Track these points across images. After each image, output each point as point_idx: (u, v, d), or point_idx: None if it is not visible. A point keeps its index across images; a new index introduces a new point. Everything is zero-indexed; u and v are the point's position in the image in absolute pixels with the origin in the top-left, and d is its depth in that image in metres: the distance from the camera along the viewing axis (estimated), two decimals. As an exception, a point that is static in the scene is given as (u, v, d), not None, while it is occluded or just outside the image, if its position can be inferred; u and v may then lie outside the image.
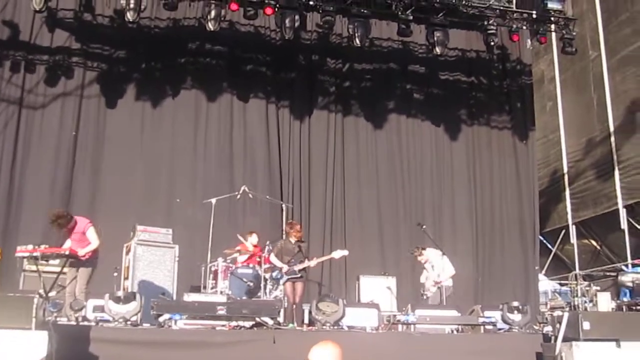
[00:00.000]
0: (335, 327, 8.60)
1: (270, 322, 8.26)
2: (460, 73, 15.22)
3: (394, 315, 9.79)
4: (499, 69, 15.55)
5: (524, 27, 13.58)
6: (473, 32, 14.52)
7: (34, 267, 9.20)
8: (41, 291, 7.31)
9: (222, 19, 12.05)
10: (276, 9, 12.03)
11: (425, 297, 11.27)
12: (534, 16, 13.29)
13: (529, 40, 15.29)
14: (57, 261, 8.84)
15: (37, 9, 11.22)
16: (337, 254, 10.71)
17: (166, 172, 13.18)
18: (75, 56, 13.02)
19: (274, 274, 10.29)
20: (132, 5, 11.39)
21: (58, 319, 7.65)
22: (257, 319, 8.26)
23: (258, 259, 10.90)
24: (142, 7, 11.59)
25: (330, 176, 13.97)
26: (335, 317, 8.66)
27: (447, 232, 14.30)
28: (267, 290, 10.59)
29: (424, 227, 11.94)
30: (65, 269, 8.77)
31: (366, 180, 14.25)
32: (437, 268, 11.21)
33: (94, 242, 8.96)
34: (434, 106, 15.01)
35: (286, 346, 7.70)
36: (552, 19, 13.33)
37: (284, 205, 12.48)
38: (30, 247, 8.37)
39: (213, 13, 11.73)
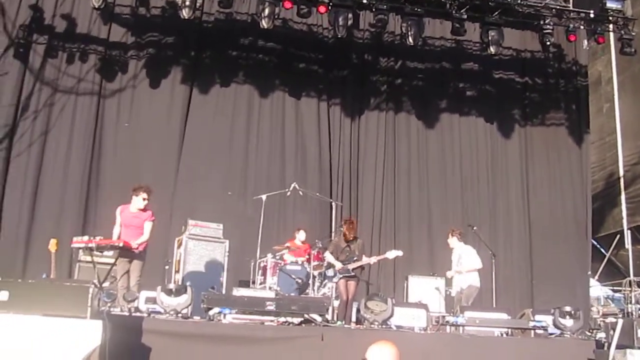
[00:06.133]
0: (384, 326, 8.57)
1: (318, 319, 8.27)
2: (514, 73, 15.02)
3: (443, 316, 9.69)
4: (554, 68, 15.26)
5: (581, 27, 13.30)
6: (527, 32, 14.32)
7: (88, 258, 9.40)
8: (96, 281, 7.50)
9: (276, 17, 12.09)
10: (329, 7, 12.03)
11: (449, 293, 11.17)
12: (592, 16, 13.05)
13: (585, 41, 14.94)
14: (110, 253, 9.03)
15: (96, 6, 11.44)
16: (391, 254, 10.61)
17: (218, 167, 13.25)
18: (130, 50, 13.17)
19: (328, 272, 10.25)
20: (187, 3, 11.52)
21: (112, 309, 7.82)
22: (306, 316, 8.27)
23: (307, 256, 10.95)
24: (198, 4, 11.71)
25: (380, 175, 13.91)
26: (384, 316, 8.63)
27: (499, 233, 14.12)
28: (316, 287, 10.63)
29: (475, 228, 11.82)
30: (117, 262, 8.92)
31: (417, 179, 14.15)
32: (464, 258, 11.03)
33: (146, 236, 9.12)
34: (487, 104, 14.85)
35: (334, 343, 7.72)
36: (611, 18, 13.02)
37: (333, 203, 12.51)
38: (85, 238, 8.56)
39: (267, 11, 11.77)
